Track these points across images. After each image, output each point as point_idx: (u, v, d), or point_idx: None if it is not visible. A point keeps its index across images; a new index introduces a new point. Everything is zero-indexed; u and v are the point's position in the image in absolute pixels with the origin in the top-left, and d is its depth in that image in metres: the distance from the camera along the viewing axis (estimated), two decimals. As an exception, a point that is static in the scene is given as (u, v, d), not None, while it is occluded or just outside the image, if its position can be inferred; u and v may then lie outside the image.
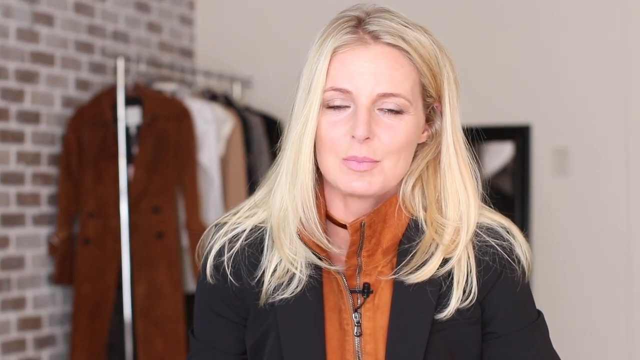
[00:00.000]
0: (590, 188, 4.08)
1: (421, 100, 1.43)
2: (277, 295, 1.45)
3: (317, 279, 1.45)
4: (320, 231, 1.44)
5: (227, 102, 4.27)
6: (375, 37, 1.40)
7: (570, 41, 4.11)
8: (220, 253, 1.50)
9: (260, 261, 1.47)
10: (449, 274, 1.44)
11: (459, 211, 1.44)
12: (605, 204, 4.06)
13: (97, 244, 3.79)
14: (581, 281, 4.09)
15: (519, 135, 4.17)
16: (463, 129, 1.47)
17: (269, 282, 1.45)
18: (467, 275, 1.44)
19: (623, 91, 4.03)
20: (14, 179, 3.67)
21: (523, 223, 4.08)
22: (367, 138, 1.38)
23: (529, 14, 4.18)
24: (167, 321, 3.74)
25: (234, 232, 1.50)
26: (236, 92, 4.50)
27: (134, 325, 3.75)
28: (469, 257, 1.44)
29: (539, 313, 1.51)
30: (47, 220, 3.83)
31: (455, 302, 1.42)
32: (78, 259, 3.80)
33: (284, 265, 1.44)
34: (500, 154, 4.21)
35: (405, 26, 1.41)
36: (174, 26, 4.58)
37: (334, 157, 1.40)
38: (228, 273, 1.49)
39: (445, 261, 1.44)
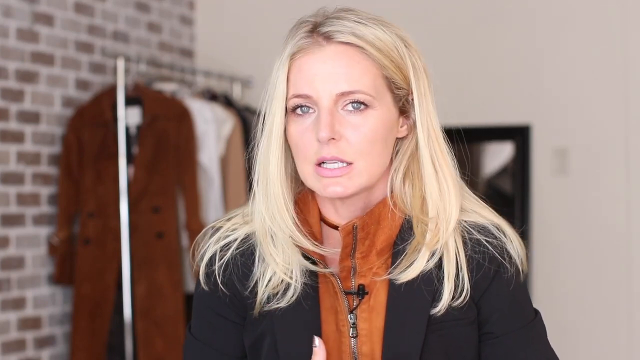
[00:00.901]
0: (590, 188, 4.08)
1: (389, 93, 1.42)
2: (272, 304, 1.44)
3: (312, 283, 1.44)
4: (303, 236, 1.43)
5: (227, 102, 4.26)
6: (328, 37, 1.40)
7: (569, 41, 4.11)
8: (211, 262, 1.49)
9: (253, 271, 1.47)
10: (440, 267, 1.43)
11: (438, 199, 1.43)
12: (605, 204, 4.05)
13: (97, 244, 3.79)
14: (581, 281, 4.08)
15: (519, 135, 4.17)
16: (447, 131, 1.46)
17: (262, 293, 1.45)
18: (458, 269, 1.43)
19: (623, 91, 4.03)
20: (14, 179, 3.67)
21: (523, 223, 4.07)
22: (332, 139, 1.37)
23: (528, 14, 4.18)
24: (167, 321, 3.74)
25: (225, 241, 1.49)
26: (236, 92, 4.50)
27: (134, 325, 3.75)
28: (457, 249, 1.43)
29: (536, 312, 1.50)
30: (47, 220, 3.83)
31: (447, 295, 1.41)
32: (78, 259, 3.80)
33: (279, 276, 1.44)
34: (500, 154, 4.21)
35: (359, 22, 1.40)
36: (174, 26, 4.58)
37: (308, 164, 1.40)
38: (219, 282, 1.48)
39: (433, 254, 1.43)
